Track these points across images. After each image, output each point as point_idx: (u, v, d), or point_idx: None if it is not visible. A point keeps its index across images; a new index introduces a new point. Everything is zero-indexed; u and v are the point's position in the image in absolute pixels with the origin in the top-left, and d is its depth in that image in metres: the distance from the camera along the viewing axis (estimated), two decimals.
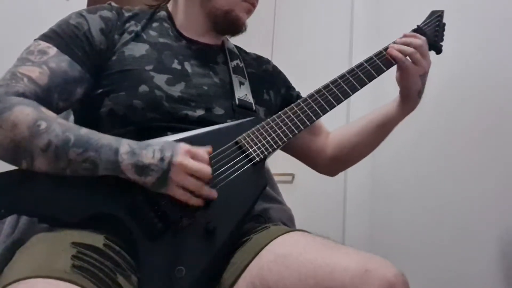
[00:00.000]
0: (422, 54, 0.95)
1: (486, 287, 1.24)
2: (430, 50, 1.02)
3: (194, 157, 0.75)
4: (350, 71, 0.95)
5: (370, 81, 0.95)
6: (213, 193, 0.76)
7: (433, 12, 1.07)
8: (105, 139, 0.74)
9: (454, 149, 1.43)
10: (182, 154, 0.74)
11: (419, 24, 1.04)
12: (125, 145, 0.74)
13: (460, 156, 1.40)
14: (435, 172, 1.49)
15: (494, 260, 1.23)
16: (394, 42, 0.99)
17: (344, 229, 1.82)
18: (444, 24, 1.06)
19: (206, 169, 0.74)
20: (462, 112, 1.42)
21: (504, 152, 1.25)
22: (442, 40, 1.05)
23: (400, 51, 0.95)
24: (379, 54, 0.97)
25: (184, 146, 0.75)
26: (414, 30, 1.02)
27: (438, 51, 1.04)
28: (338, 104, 0.92)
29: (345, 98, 0.93)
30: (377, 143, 1.08)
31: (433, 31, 1.03)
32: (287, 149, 1.10)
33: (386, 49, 0.98)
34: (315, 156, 1.11)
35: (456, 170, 1.41)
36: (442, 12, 1.07)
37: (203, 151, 0.76)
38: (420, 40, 0.96)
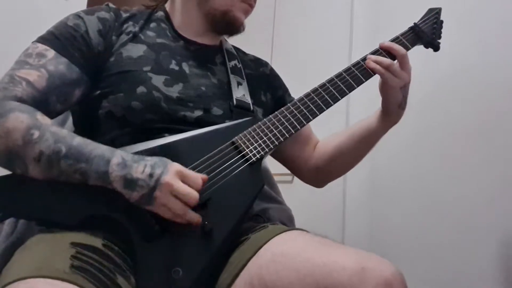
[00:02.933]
0: (403, 65, 0.91)
1: (485, 287, 1.24)
2: (427, 47, 1.01)
3: (184, 179, 0.72)
4: (347, 70, 0.94)
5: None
6: (198, 219, 0.73)
7: (430, 10, 1.06)
8: (99, 150, 0.74)
9: (453, 149, 1.43)
10: (172, 174, 0.71)
11: (416, 21, 1.03)
12: (118, 157, 0.73)
13: (459, 156, 1.40)
14: (434, 172, 1.49)
15: (493, 259, 1.23)
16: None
17: (344, 229, 1.82)
18: (441, 22, 1.04)
19: (193, 194, 0.71)
20: (461, 112, 1.42)
21: (503, 152, 1.25)
22: (439, 37, 1.03)
23: (378, 63, 0.91)
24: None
25: (177, 167, 0.73)
26: (411, 28, 1.00)
27: (436, 48, 1.02)
28: (335, 103, 0.91)
29: (342, 97, 0.92)
30: (361, 156, 1.05)
31: (430, 28, 1.02)
32: (276, 156, 1.09)
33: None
34: (299, 166, 1.09)
35: (455, 170, 1.41)
36: (440, 9, 1.05)
37: (196, 175, 0.74)
38: (402, 50, 0.92)
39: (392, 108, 0.95)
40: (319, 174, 1.09)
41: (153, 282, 0.69)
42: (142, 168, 0.72)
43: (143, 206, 0.72)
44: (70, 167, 0.71)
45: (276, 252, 0.71)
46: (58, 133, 0.74)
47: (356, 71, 0.93)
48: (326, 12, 2.14)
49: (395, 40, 0.97)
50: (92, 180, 0.72)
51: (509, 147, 1.24)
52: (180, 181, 0.71)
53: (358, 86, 0.93)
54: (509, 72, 1.28)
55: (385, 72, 0.90)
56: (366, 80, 0.93)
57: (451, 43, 1.15)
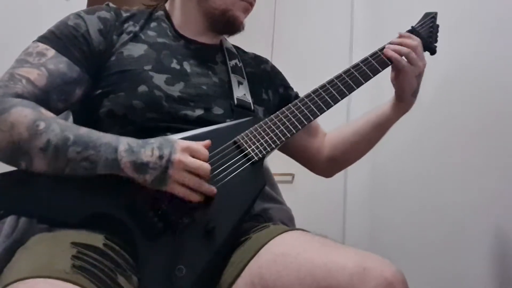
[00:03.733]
0: (417, 54, 0.95)
1: (485, 287, 1.24)
2: (424, 51, 1.03)
3: (192, 154, 0.75)
4: (347, 71, 0.96)
5: (366, 81, 0.95)
6: (212, 189, 0.76)
7: (427, 14, 1.08)
8: (105, 138, 0.75)
9: (454, 149, 1.42)
10: (180, 151, 0.74)
11: (413, 25, 1.05)
12: (124, 143, 0.74)
13: (460, 156, 1.40)
14: (435, 172, 1.49)
15: (493, 260, 1.23)
16: (390, 43, 0.99)
17: (344, 229, 1.82)
18: (438, 26, 1.07)
19: (205, 166, 0.75)
20: (461, 112, 1.42)
21: (503, 153, 1.25)
22: (436, 41, 1.06)
23: (396, 51, 0.95)
24: (374, 55, 0.98)
25: (183, 143, 0.75)
26: (409, 31, 1.03)
27: (433, 52, 1.05)
28: (335, 103, 0.93)
29: (342, 98, 0.93)
30: (373, 143, 1.08)
31: (427, 32, 1.04)
32: (285, 149, 1.11)
33: (381, 49, 0.98)
34: (311, 156, 1.11)
35: (456, 170, 1.40)
36: (436, 13, 1.08)
37: (202, 147, 0.76)
38: (415, 40, 0.97)
39: (407, 96, 0.99)
40: (331, 164, 1.12)
41: (157, 280, 0.69)
42: (150, 152, 0.74)
43: (157, 188, 0.73)
44: (78, 155, 0.72)
45: (277, 252, 0.72)
46: (64, 123, 0.75)
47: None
48: (326, 10, 2.14)
49: None
50: (100, 168, 0.73)
51: (510, 148, 1.24)
52: (189, 156, 0.74)
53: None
54: (510, 72, 1.27)
55: (401, 60, 0.94)
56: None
57: (451, 43, 1.15)
